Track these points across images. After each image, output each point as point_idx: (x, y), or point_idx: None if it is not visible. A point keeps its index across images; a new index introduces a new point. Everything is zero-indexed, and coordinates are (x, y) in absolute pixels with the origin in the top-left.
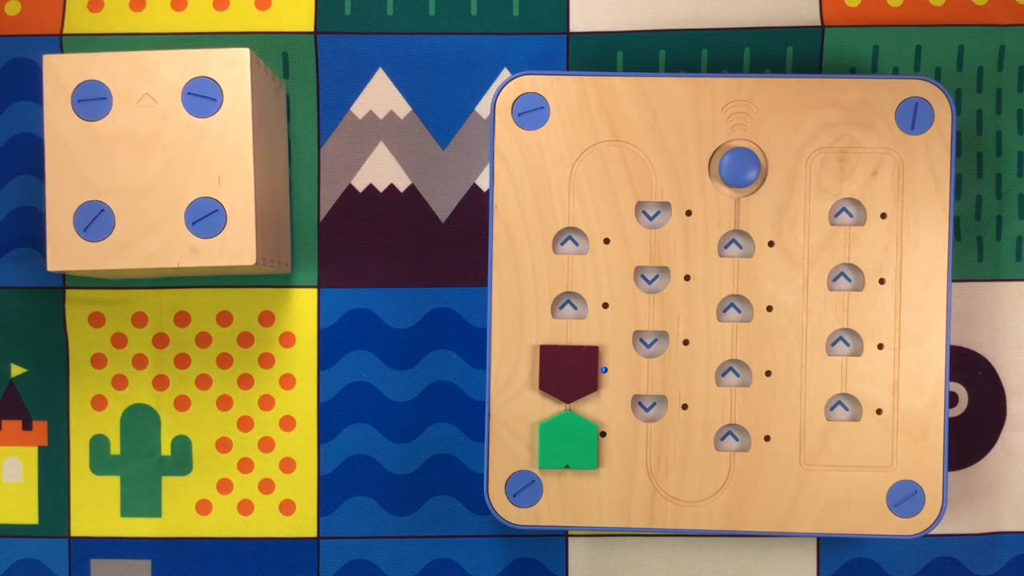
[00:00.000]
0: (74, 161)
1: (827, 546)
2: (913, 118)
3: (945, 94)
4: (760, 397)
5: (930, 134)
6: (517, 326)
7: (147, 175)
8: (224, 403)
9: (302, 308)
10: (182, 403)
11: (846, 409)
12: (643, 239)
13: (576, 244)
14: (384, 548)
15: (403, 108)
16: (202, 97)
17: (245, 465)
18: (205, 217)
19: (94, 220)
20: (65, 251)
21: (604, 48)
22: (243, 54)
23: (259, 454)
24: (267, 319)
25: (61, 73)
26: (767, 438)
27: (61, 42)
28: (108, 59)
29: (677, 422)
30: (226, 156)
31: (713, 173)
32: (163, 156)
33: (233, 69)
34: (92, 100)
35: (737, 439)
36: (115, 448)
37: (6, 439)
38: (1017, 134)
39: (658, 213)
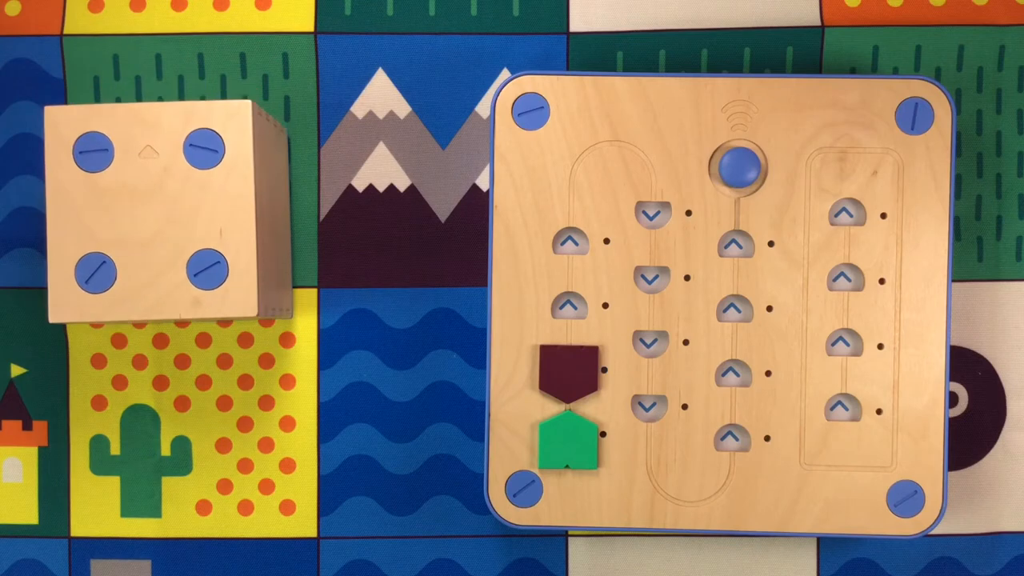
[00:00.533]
0: (76, 213)
1: (827, 546)
2: (913, 118)
3: (945, 94)
4: (760, 397)
5: (930, 134)
6: (517, 326)
7: (149, 227)
8: (224, 403)
9: (302, 308)
10: (182, 403)
11: (846, 409)
12: (643, 239)
13: (576, 244)
14: (384, 548)
15: (403, 108)
16: (204, 149)
17: (245, 465)
18: (207, 269)
19: (96, 272)
20: (67, 303)
21: (604, 48)
22: (245, 106)
23: (259, 454)
24: (267, 319)
25: (62, 125)
26: (767, 438)
27: (61, 42)
28: (109, 110)
29: (677, 422)
30: (228, 208)
31: (713, 173)
32: (165, 208)
33: (235, 120)
34: (93, 152)
35: (737, 439)
36: (115, 448)
37: (6, 439)
38: (1017, 134)
39: (658, 213)
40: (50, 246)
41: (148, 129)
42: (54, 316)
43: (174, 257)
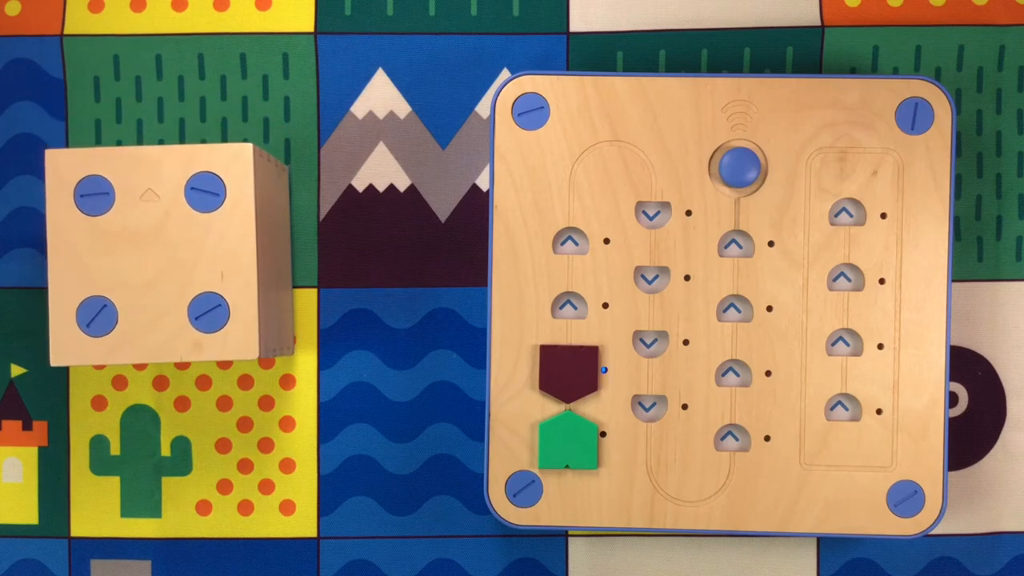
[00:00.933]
0: (77, 256)
1: (827, 546)
2: (913, 118)
3: (945, 94)
4: (760, 397)
5: (930, 134)
6: (517, 326)
7: (150, 270)
8: (224, 403)
9: (302, 308)
10: (182, 403)
11: (846, 409)
12: (643, 239)
13: (576, 244)
14: (384, 548)
15: (403, 108)
16: (205, 192)
17: (245, 465)
18: (208, 312)
19: (97, 315)
20: (68, 347)
21: (604, 48)
22: (246, 149)
23: (259, 454)
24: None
25: (63, 168)
26: (767, 438)
27: (61, 42)
28: (110, 154)
29: (677, 422)
30: (229, 251)
31: (713, 173)
32: (166, 251)
33: (236, 164)
34: (94, 195)
35: (737, 439)
36: (115, 448)
37: (6, 439)
38: (1017, 134)
39: (658, 213)
40: (51, 289)
41: (149, 172)
42: (55, 360)
43: (175, 300)
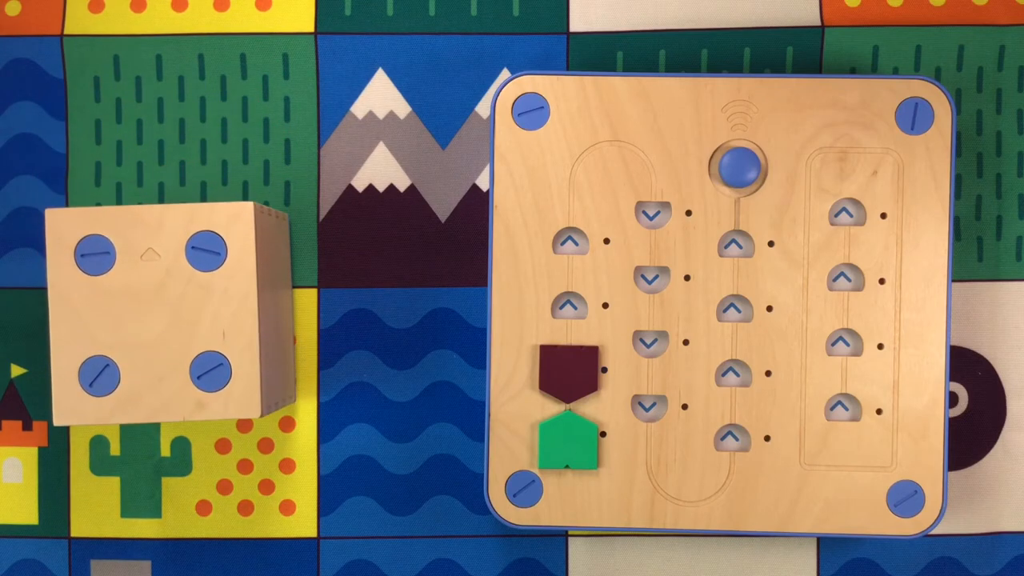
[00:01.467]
0: (78, 316)
1: (827, 546)
2: (913, 118)
3: (945, 94)
4: (760, 397)
5: (930, 134)
6: (517, 326)
7: (152, 329)
8: None
9: (302, 308)
10: None
11: (846, 409)
12: (643, 239)
13: (576, 244)
14: (384, 548)
15: (403, 108)
16: (206, 251)
17: (245, 465)
18: (210, 371)
19: (99, 375)
20: (71, 406)
21: (604, 48)
22: (247, 208)
23: (259, 454)
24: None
25: (63, 227)
26: (767, 438)
27: (62, 42)
28: (111, 213)
29: (677, 422)
30: (231, 310)
31: (713, 173)
32: (167, 310)
33: (237, 222)
34: (95, 255)
35: (737, 439)
36: (115, 449)
37: (6, 439)
38: (1017, 134)
39: (658, 213)
40: (53, 349)
41: (150, 231)
42: (59, 420)
43: (177, 359)
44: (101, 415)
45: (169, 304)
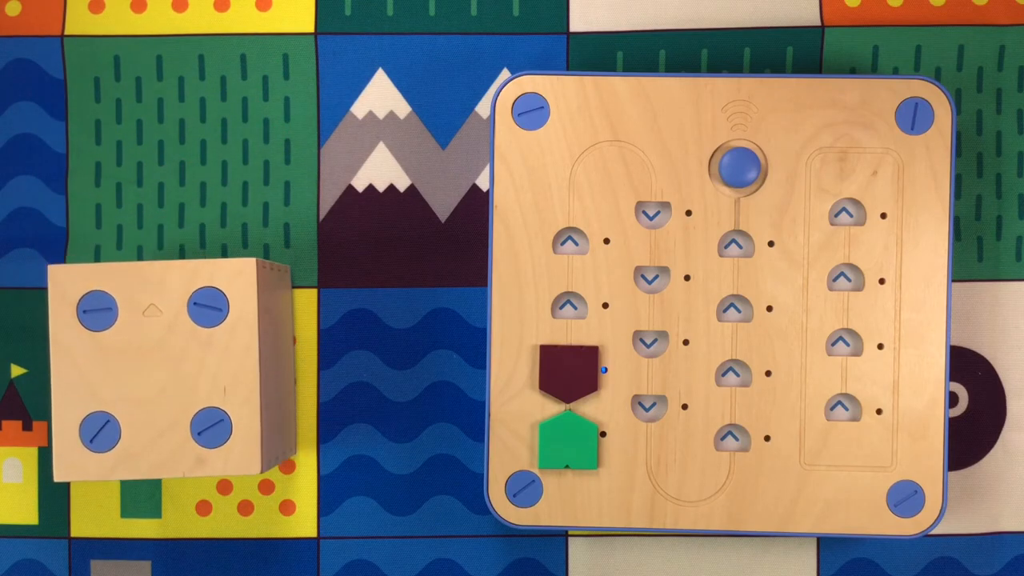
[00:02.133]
0: (80, 372)
1: (827, 546)
2: (913, 118)
3: (945, 94)
4: (760, 397)
5: (930, 134)
6: (517, 326)
7: (153, 385)
8: None
9: (302, 308)
10: None
11: (846, 409)
12: (643, 239)
13: (576, 244)
14: (384, 548)
15: (403, 108)
16: (208, 307)
17: None
18: (210, 427)
19: (100, 431)
20: (71, 462)
21: (604, 48)
22: (249, 264)
23: None
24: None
25: (66, 284)
26: (767, 438)
27: (62, 43)
28: (113, 269)
29: (677, 422)
30: (232, 366)
31: (713, 173)
32: (169, 366)
33: (239, 279)
34: (97, 311)
35: (737, 439)
36: None
37: (6, 439)
38: (1017, 134)
39: (658, 213)
40: (55, 405)
41: (152, 287)
42: (59, 475)
43: (178, 416)
44: (102, 471)
45: (170, 360)
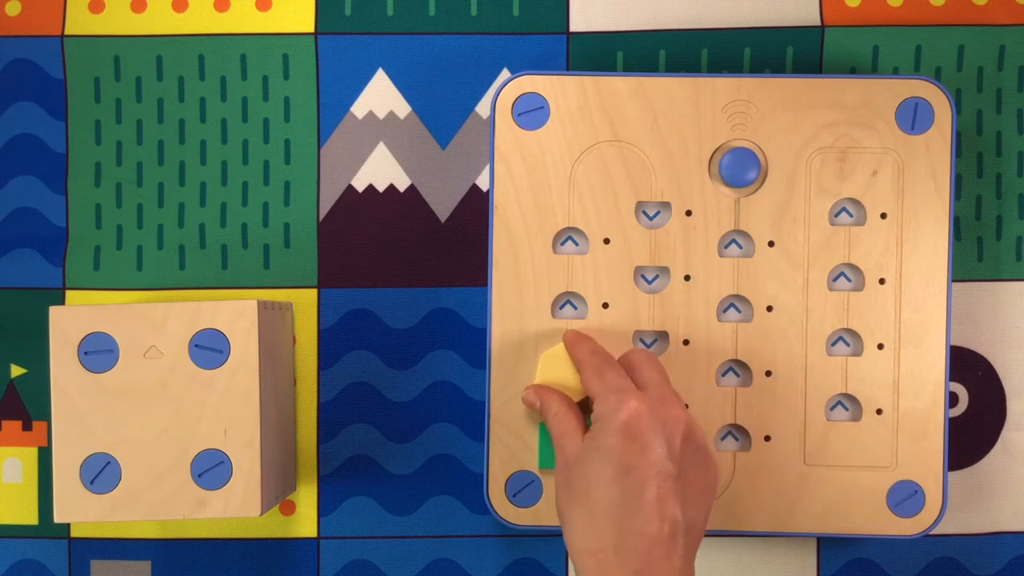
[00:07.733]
0: (80, 414)
1: (827, 546)
2: (913, 118)
3: (945, 94)
4: (760, 397)
5: (930, 134)
6: (517, 326)
7: (153, 427)
8: None
9: (302, 308)
10: None
11: (846, 409)
12: (643, 239)
13: (576, 244)
14: (384, 548)
15: (403, 108)
16: (209, 349)
17: None
18: (211, 469)
19: (101, 472)
20: (72, 504)
21: (604, 48)
22: (250, 307)
23: None
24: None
25: (67, 325)
26: (767, 438)
27: (62, 43)
28: (115, 311)
29: None
30: (233, 408)
31: (713, 173)
32: (169, 408)
33: (240, 321)
34: (99, 352)
35: (737, 439)
36: None
37: (6, 439)
38: (1017, 134)
39: (658, 213)
40: (55, 446)
41: (153, 329)
42: (59, 516)
43: (178, 457)
44: (102, 513)
45: (171, 402)
